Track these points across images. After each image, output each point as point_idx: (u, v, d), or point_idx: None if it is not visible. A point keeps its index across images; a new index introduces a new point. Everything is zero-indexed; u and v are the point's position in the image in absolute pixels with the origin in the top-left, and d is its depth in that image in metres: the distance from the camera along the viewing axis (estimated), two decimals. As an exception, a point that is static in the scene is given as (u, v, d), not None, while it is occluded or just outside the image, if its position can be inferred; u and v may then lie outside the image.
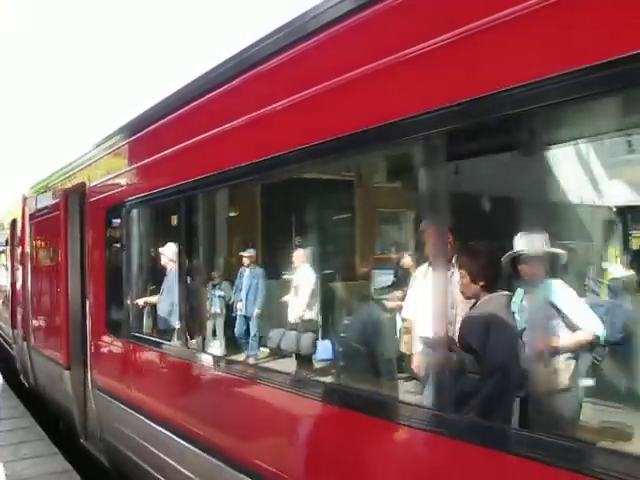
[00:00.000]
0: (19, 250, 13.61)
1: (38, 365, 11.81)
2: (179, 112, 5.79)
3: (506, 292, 3.96)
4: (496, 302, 3.85)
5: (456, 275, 4.00)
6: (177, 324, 6.13)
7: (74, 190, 9.54)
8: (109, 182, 7.57)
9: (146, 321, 7.26)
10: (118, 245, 7.21)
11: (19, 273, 13.37)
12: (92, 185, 8.24)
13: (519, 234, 3.70)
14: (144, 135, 6.70)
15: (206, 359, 5.51)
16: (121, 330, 7.22)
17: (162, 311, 6.76)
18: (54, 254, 10.46)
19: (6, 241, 16.26)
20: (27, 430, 10.16)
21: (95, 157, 8.21)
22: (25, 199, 13.02)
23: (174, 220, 6.42)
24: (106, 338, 7.76)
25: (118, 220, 7.25)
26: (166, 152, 6.03)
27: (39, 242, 11.73)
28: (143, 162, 6.69)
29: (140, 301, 7.28)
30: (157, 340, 6.66)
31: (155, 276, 7.21)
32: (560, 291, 4.12)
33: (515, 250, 3.82)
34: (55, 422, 11.09)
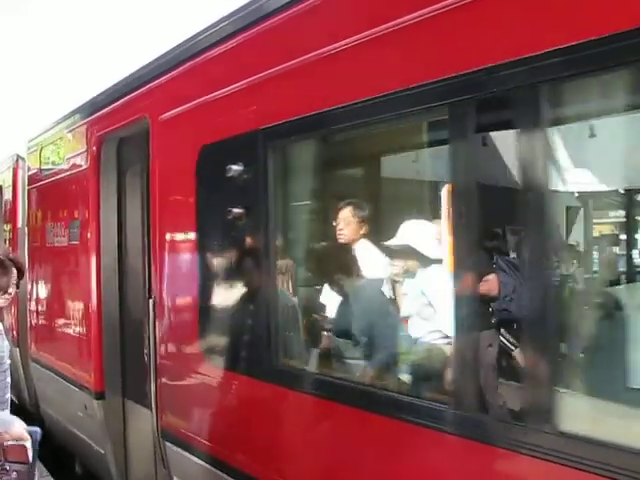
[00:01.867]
0: (8, 227, 10.27)
1: (41, 383, 8.58)
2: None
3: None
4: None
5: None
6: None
7: (114, 133, 6.36)
8: (216, 102, 4.46)
9: (329, 347, 4.20)
10: (236, 208, 4.10)
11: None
12: (169, 114, 5.07)
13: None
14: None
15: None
16: (252, 361, 4.13)
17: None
18: (72, 230, 7.24)
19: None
20: None
21: (177, 72, 5.05)
22: (18, 160, 9.72)
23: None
24: (204, 370, 4.66)
25: (235, 164, 4.14)
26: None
27: (44, 214, 8.45)
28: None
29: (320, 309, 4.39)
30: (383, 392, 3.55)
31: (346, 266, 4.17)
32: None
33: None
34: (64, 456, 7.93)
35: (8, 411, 4.15)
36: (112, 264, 6.64)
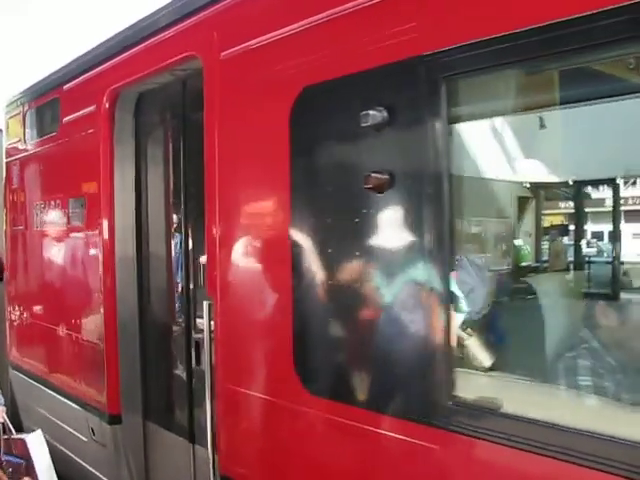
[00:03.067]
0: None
1: (24, 396, 7.08)
2: None
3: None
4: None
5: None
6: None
7: (134, 86, 4.95)
8: (331, 23, 3.12)
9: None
10: (379, 174, 2.76)
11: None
12: (238, 50, 3.70)
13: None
14: None
15: None
16: (410, 395, 2.77)
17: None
18: (73, 210, 5.78)
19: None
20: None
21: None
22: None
23: None
24: (304, 401, 3.29)
25: (375, 108, 2.80)
26: None
27: (31, 191, 6.92)
28: None
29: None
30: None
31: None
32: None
33: None
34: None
35: None
36: (130, 252, 5.23)
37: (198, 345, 4.59)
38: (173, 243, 5.18)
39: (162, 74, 4.69)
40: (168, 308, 5.27)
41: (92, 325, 5.38)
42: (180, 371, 4.92)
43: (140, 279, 5.23)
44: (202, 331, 4.52)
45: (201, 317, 4.64)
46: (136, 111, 5.24)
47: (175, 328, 5.10)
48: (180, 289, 5.05)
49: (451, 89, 2.69)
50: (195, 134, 4.66)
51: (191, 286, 4.79)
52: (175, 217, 5.17)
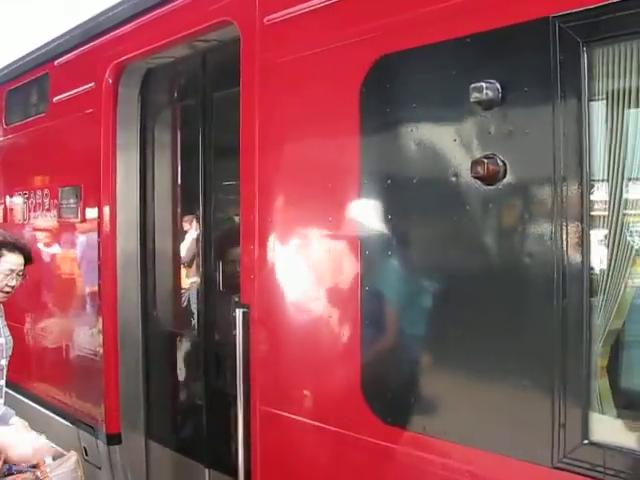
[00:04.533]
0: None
1: None
2: None
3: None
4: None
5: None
6: None
7: (142, 59, 4.35)
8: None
9: None
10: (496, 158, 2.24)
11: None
12: (288, 13, 3.13)
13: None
14: None
15: None
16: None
17: None
18: (65, 201, 5.13)
19: None
20: None
21: None
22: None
23: None
24: (380, 436, 2.72)
25: (481, 81, 2.26)
26: None
27: (11, 180, 6.23)
28: None
29: None
30: None
31: None
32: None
33: None
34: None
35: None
36: (133, 249, 4.62)
37: (218, 358, 4.01)
38: (186, 240, 4.59)
39: (179, 46, 4.09)
40: (177, 314, 4.67)
41: (88, 331, 4.73)
42: (193, 386, 4.33)
43: (144, 280, 4.61)
44: (223, 343, 3.97)
45: (222, 326, 4.10)
46: (142, 89, 4.62)
47: (186, 336, 4.50)
48: (194, 292, 4.46)
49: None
50: (217, 115, 4.09)
51: (207, 288, 4.20)
52: (188, 210, 4.57)
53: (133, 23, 4.36)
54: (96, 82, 4.67)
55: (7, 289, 3.71)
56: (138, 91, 4.63)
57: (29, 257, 3.78)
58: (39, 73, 5.54)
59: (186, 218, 4.69)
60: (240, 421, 3.35)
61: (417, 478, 2.63)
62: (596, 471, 2.08)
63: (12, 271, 3.69)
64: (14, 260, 3.70)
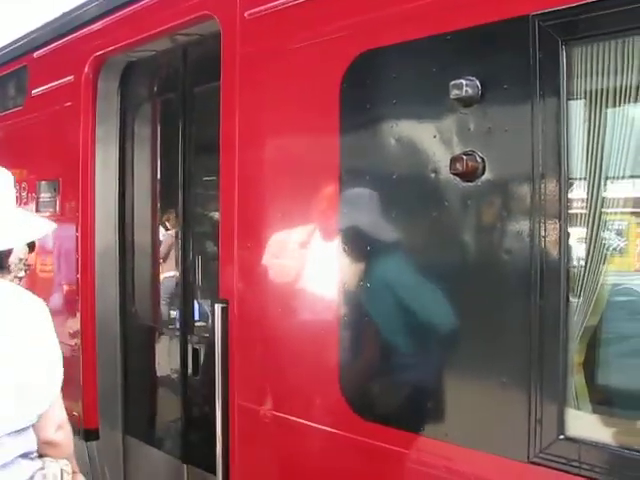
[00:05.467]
0: None
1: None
2: None
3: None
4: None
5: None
6: None
7: (121, 53, 4.32)
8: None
9: None
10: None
11: None
12: (269, 7, 3.12)
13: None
14: None
15: None
16: None
17: None
18: (42, 195, 5.09)
19: None
20: None
21: None
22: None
23: None
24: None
25: (465, 77, 2.28)
26: None
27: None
28: None
29: None
30: None
31: None
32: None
33: None
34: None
35: None
36: (111, 244, 4.58)
37: (197, 353, 3.99)
38: (165, 234, 4.56)
39: (159, 39, 4.06)
40: (156, 309, 4.65)
41: (65, 327, 4.69)
42: (171, 382, 4.31)
43: (123, 275, 4.58)
44: (204, 337, 3.96)
45: (200, 320, 4.09)
46: (122, 82, 4.58)
47: (164, 331, 4.49)
48: (172, 286, 4.44)
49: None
50: (198, 109, 4.07)
51: (186, 283, 4.19)
52: (168, 205, 4.55)
53: (113, 16, 4.32)
54: (75, 75, 4.62)
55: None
56: (118, 85, 4.59)
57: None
58: (17, 65, 5.47)
59: (165, 214, 4.67)
60: (218, 417, 3.34)
61: (395, 473, 2.64)
62: (571, 466, 2.10)
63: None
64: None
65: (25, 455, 2.25)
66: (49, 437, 2.33)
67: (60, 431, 2.38)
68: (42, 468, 2.31)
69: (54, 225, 2.58)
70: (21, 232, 2.38)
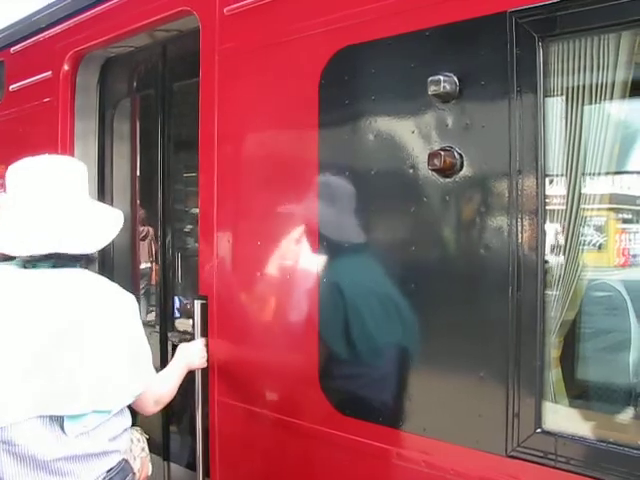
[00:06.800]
0: None
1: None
2: None
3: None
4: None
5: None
6: None
7: (101, 48, 4.29)
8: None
9: None
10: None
11: None
12: (249, 2, 3.11)
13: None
14: None
15: None
16: None
17: None
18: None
19: None
20: None
21: None
22: None
23: None
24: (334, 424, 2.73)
25: (444, 73, 2.30)
26: None
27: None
28: None
29: None
30: None
31: None
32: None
33: None
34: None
35: None
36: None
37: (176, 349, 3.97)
38: (144, 230, 4.54)
39: (139, 35, 4.04)
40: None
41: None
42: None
43: (102, 271, 4.54)
44: (183, 332, 3.96)
45: (179, 317, 4.08)
46: (101, 78, 4.55)
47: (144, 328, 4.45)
48: (150, 283, 4.42)
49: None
50: (177, 105, 4.05)
51: (166, 280, 4.17)
52: (147, 201, 4.52)
53: (92, 11, 4.28)
54: (53, 71, 4.57)
55: None
56: (97, 80, 4.55)
57: None
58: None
59: (144, 210, 4.64)
60: (198, 413, 3.33)
61: (375, 468, 2.65)
62: (548, 459, 2.12)
63: None
64: None
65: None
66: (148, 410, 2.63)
67: (157, 406, 2.68)
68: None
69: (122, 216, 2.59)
70: (99, 234, 2.44)
